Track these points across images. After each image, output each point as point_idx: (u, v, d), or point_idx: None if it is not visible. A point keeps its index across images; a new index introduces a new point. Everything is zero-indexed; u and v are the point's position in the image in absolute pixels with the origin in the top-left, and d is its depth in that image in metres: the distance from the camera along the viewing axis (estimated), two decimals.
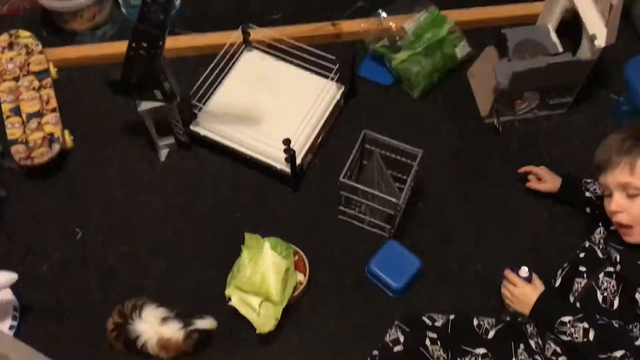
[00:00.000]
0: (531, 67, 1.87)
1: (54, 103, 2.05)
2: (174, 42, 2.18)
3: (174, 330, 1.60)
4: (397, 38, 2.14)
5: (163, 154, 2.04)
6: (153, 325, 1.62)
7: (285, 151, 1.82)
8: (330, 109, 2.04)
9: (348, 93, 2.10)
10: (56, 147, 1.95)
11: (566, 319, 1.41)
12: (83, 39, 2.30)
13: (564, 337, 1.42)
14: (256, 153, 1.95)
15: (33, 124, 2.00)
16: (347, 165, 1.76)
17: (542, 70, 1.88)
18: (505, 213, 1.92)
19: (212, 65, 2.03)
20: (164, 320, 1.62)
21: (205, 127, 2.00)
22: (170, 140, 2.03)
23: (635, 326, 1.36)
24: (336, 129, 2.09)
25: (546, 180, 1.88)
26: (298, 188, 1.97)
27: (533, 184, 1.91)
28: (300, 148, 1.94)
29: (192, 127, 2.00)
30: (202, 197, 1.96)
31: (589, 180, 1.80)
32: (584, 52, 1.93)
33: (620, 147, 1.44)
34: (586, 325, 1.38)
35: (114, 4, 2.37)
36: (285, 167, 1.90)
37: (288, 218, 1.93)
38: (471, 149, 2.04)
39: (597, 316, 1.42)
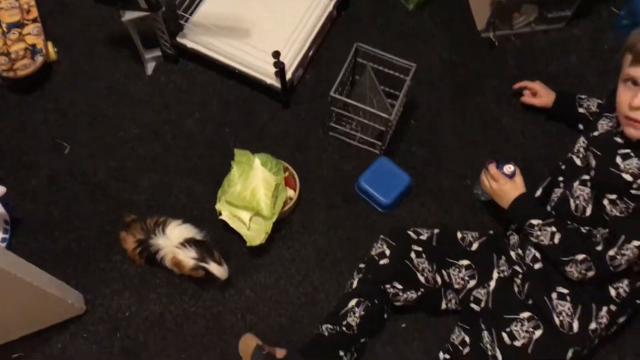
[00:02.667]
0: None
1: (34, 12, 1.97)
2: None
3: (186, 256, 1.61)
4: None
5: (150, 67, 1.99)
6: (172, 242, 1.63)
7: (275, 65, 1.77)
8: (322, 20, 1.97)
9: (341, 4, 2.03)
10: (39, 59, 1.89)
11: (535, 221, 1.45)
12: None
13: (532, 239, 1.47)
14: (245, 67, 1.90)
15: (14, 34, 1.93)
16: (338, 80, 1.72)
17: None
18: (498, 130, 1.90)
19: None
20: (186, 241, 1.62)
21: (192, 39, 1.94)
22: (157, 52, 1.97)
23: (599, 231, 1.39)
24: (328, 42, 2.03)
25: (541, 95, 1.85)
26: (288, 104, 1.94)
27: (527, 98, 1.88)
28: (291, 62, 1.89)
29: (178, 39, 1.93)
30: (190, 112, 1.93)
31: (583, 96, 1.77)
32: None
33: None
34: (554, 229, 1.42)
35: None
36: (275, 82, 1.86)
37: (278, 134, 1.90)
38: (466, 64, 1.99)
39: (568, 222, 1.45)
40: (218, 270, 1.62)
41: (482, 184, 1.63)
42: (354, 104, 1.72)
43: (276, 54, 1.73)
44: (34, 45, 1.91)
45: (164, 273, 1.72)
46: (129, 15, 1.76)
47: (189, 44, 1.93)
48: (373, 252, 1.61)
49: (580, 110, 1.76)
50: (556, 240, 1.42)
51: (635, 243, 1.32)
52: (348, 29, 2.04)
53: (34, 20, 1.96)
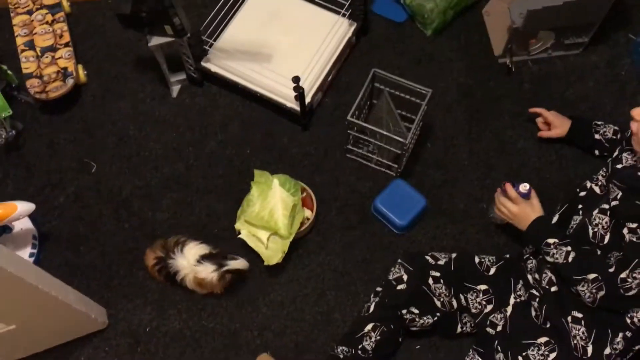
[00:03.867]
0: (547, 5, 1.82)
1: (67, 37, 2.06)
2: None
3: (207, 272, 1.66)
4: None
5: (175, 89, 2.06)
6: (190, 262, 1.68)
7: (294, 89, 1.82)
8: (341, 46, 2.02)
9: (360, 30, 2.08)
10: (70, 82, 1.98)
11: (552, 240, 1.47)
12: None
13: (548, 258, 1.48)
14: (266, 91, 1.96)
15: (47, 58, 2.02)
16: (355, 104, 1.76)
17: (558, 9, 1.83)
18: (513, 154, 1.92)
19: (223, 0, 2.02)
20: (202, 258, 1.67)
21: (216, 64, 2.01)
22: (182, 76, 2.04)
23: (613, 254, 1.41)
24: (347, 67, 2.08)
25: (556, 126, 1.86)
26: (307, 126, 1.99)
27: (543, 133, 1.89)
28: (310, 86, 1.94)
29: (203, 64, 2.00)
30: (213, 133, 1.99)
31: (599, 123, 1.78)
32: None
33: None
34: (569, 248, 1.45)
35: None
36: (295, 105, 1.91)
37: (297, 156, 1.95)
38: (483, 89, 2.03)
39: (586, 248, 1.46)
40: (239, 264, 1.68)
41: (496, 206, 1.64)
42: (371, 127, 1.77)
43: (296, 79, 1.79)
44: (65, 69, 2.00)
45: (185, 289, 1.77)
46: (156, 41, 1.84)
47: (213, 68, 2.00)
48: (391, 277, 1.62)
49: (597, 136, 1.78)
50: (570, 258, 1.44)
51: None
52: (366, 55, 2.09)
53: (66, 45, 2.05)
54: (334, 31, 2.01)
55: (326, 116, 2.01)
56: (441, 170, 1.91)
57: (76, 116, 2.04)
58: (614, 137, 1.74)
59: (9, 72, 2.01)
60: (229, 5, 2.04)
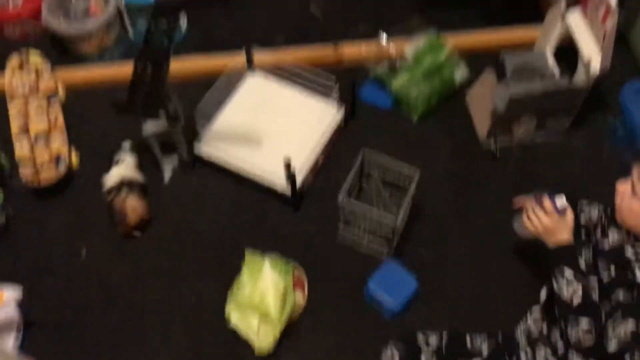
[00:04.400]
0: (528, 92, 1.91)
1: (61, 123, 2.10)
2: (180, 65, 2.23)
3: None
4: (397, 62, 2.19)
5: (167, 172, 2.08)
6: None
7: (285, 172, 1.85)
8: (330, 131, 2.08)
9: (348, 116, 2.14)
10: (62, 168, 2.00)
11: (569, 272, 1.44)
12: (91, 61, 2.37)
13: (555, 284, 1.45)
14: (258, 174, 1.99)
15: (41, 143, 2.05)
16: (346, 185, 1.79)
17: (538, 95, 1.92)
18: (502, 235, 1.94)
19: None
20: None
21: (208, 148, 2.04)
22: (175, 158, 2.07)
23: (604, 305, 1.42)
24: (336, 151, 2.13)
25: None
26: (299, 207, 2.01)
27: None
28: (301, 169, 1.98)
29: (196, 148, 2.04)
30: (204, 216, 2.00)
31: (584, 201, 1.81)
32: (580, 78, 1.97)
33: None
34: (580, 290, 1.41)
35: (122, 28, 2.44)
36: (286, 188, 1.94)
37: (288, 237, 1.96)
38: (469, 172, 2.07)
39: None
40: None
41: (528, 219, 1.55)
42: (362, 209, 1.79)
43: (288, 165, 1.83)
44: (58, 155, 2.02)
45: None
46: (150, 130, 1.88)
47: (206, 152, 2.04)
48: (383, 359, 1.60)
49: (582, 217, 1.80)
50: (574, 302, 1.41)
51: (630, 326, 1.34)
52: (355, 139, 2.14)
53: (60, 131, 2.08)
54: (323, 117, 2.08)
55: (317, 197, 2.03)
56: (432, 250, 1.92)
57: (68, 201, 2.04)
58: (600, 218, 1.77)
59: (2, 157, 2.03)
60: (221, 92, 2.10)
